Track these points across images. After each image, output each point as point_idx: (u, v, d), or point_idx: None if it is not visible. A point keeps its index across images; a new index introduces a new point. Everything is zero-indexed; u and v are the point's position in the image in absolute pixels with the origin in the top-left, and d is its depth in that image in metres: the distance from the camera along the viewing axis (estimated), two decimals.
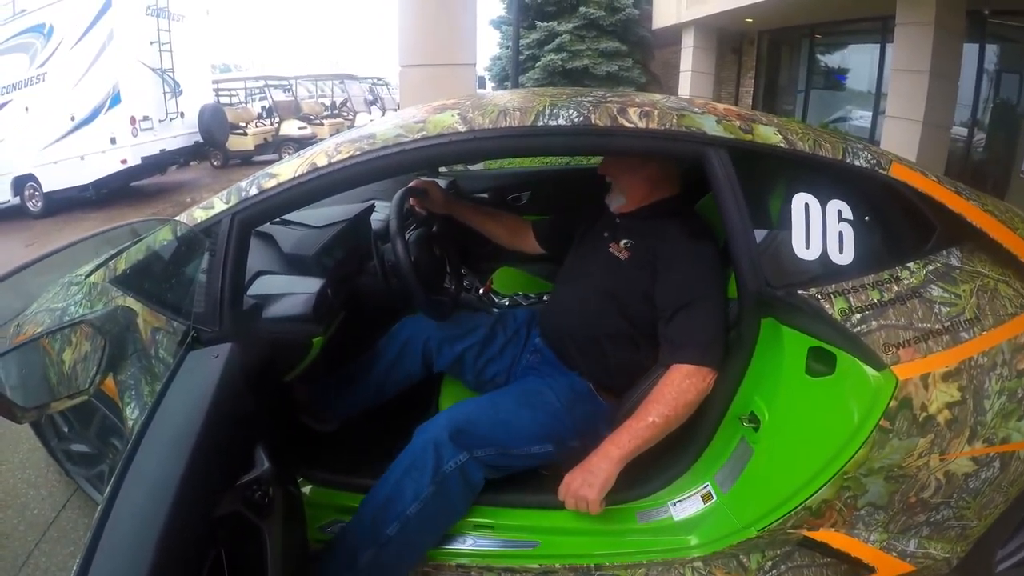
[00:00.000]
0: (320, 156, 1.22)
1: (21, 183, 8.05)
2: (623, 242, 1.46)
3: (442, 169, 2.45)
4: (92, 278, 1.46)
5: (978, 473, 1.21)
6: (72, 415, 1.77)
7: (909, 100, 6.16)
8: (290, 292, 1.37)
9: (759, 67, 11.89)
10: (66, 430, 1.87)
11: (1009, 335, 1.17)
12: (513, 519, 1.39)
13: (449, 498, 1.31)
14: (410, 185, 1.61)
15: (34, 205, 8.04)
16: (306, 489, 1.43)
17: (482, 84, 16.34)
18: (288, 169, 1.23)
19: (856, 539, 1.28)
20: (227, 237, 1.21)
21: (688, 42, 11.85)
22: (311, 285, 1.38)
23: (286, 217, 1.61)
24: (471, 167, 2.58)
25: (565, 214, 1.75)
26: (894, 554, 1.29)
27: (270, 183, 1.23)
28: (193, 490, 0.80)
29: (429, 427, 1.33)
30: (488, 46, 15.43)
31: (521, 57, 11.32)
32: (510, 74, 9.50)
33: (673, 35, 12.28)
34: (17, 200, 8.16)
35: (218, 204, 1.25)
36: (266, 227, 1.58)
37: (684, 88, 12.00)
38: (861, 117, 9.08)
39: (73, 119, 7.63)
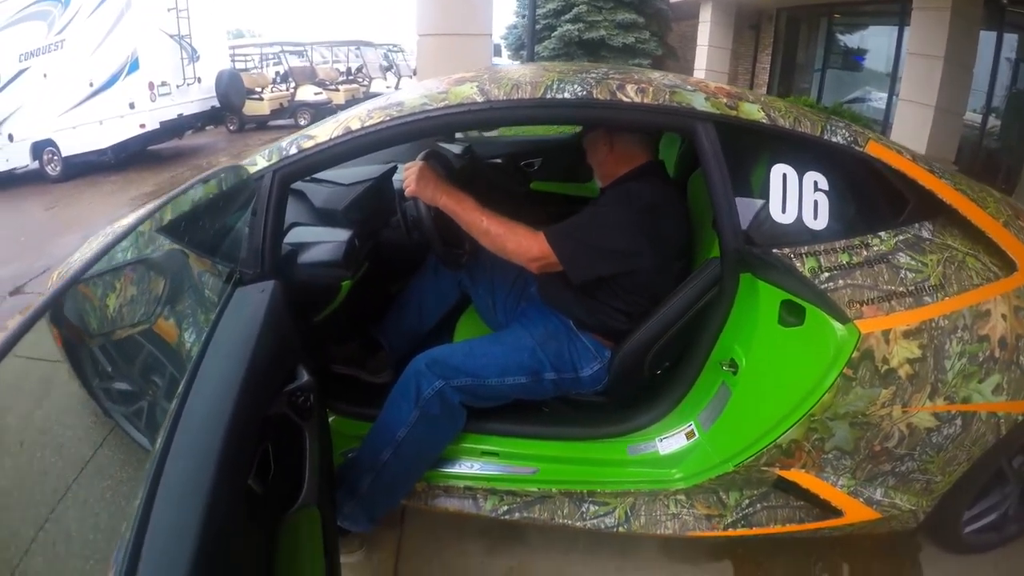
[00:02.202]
0: (354, 120, 1.37)
1: (40, 148, 8.14)
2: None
3: (458, 136, 2.57)
4: (140, 228, 1.61)
5: (940, 429, 1.31)
6: (117, 355, 1.93)
7: (923, 84, 6.16)
8: (322, 240, 1.52)
9: (776, 44, 11.74)
10: (109, 370, 2.02)
11: (972, 302, 1.27)
12: (516, 447, 1.56)
13: (433, 422, 1.48)
14: (429, 150, 1.74)
15: (53, 169, 8.16)
16: (330, 419, 1.59)
17: (498, 52, 16.12)
18: (324, 131, 1.38)
19: (825, 482, 1.40)
20: (269, 190, 1.36)
21: (706, 16, 11.71)
22: (341, 235, 1.53)
23: (316, 176, 1.75)
24: (486, 134, 2.69)
25: (572, 182, 1.87)
26: (861, 500, 1.41)
27: (308, 143, 1.38)
28: (249, 394, 0.94)
29: (412, 362, 1.51)
30: (505, 15, 15.27)
31: (537, 27, 11.16)
32: (526, 43, 9.46)
33: (691, 8, 12.13)
34: (36, 164, 8.27)
35: (260, 161, 1.40)
36: (299, 185, 1.72)
37: (700, 62, 11.88)
38: (877, 99, 9.01)
39: (92, 85, 7.71)
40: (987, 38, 6.46)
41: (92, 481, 1.06)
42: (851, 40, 10.24)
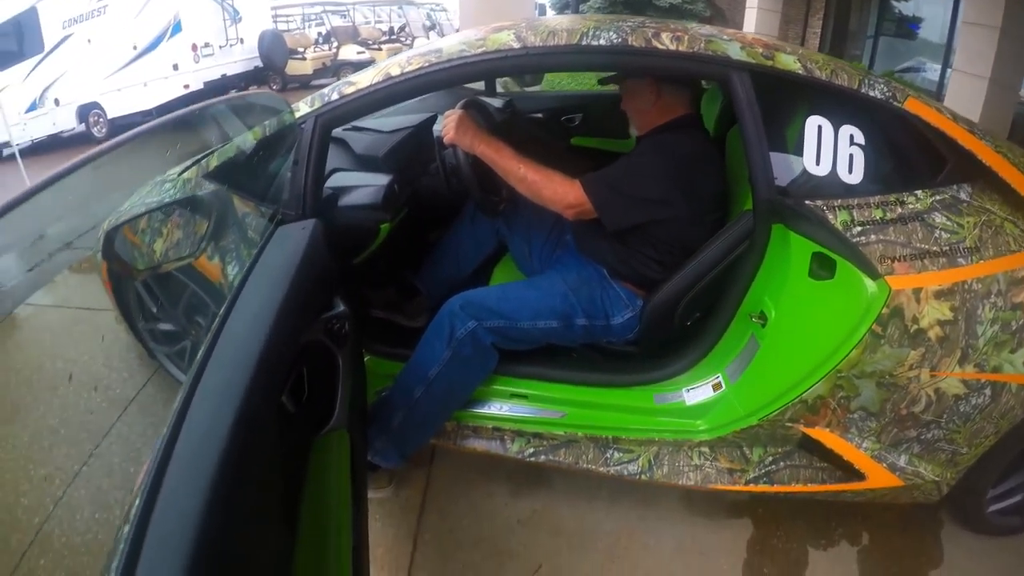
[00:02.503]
0: (394, 67, 1.39)
1: (86, 111, 8.40)
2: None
3: (499, 89, 2.57)
4: (186, 175, 1.67)
5: (968, 398, 1.28)
6: (162, 295, 2.02)
7: (977, 56, 5.85)
8: (362, 184, 1.57)
9: (828, 8, 11.23)
10: (154, 310, 2.12)
11: (1007, 267, 1.23)
12: (545, 391, 1.59)
13: (465, 363, 1.52)
14: (468, 99, 1.76)
15: (99, 131, 8.41)
16: (366, 359, 1.65)
17: (543, 12, 15.92)
18: (365, 78, 1.41)
19: (849, 443, 1.39)
20: (311, 135, 1.40)
21: None
22: (381, 179, 1.57)
23: (358, 124, 1.79)
24: (527, 88, 2.69)
25: (613, 138, 1.87)
26: (884, 465, 1.39)
27: (350, 89, 1.41)
28: (286, 317, 1.00)
29: (447, 303, 1.55)
30: None
31: None
32: (570, 3, 9.28)
33: None
34: (83, 127, 8.53)
35: (303, 107, 1.44)
36: (340, 133, 1.76)
37: (749, 25, 11.45)
38: (931, 70, 8.64)
39: (135, 48, 7.89)
40: None
41: (134, 419, 1.14)
42: (906, 7, 9.78)
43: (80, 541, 0.92)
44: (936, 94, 7.59)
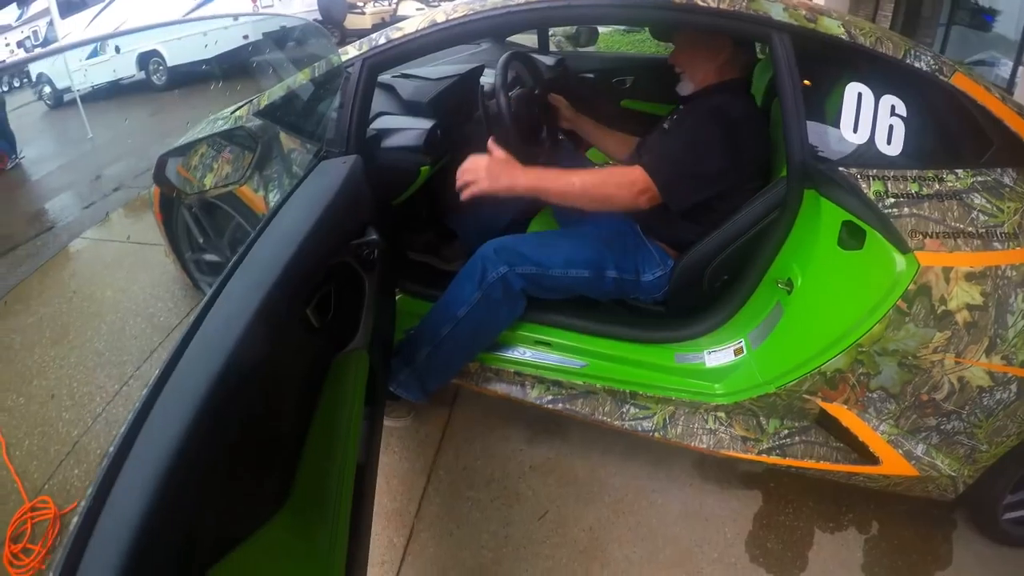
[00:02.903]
0: (439, 14, 1.43)
1: (146, 58, 8.59)
2: (673, 116, 1.63)
3: (553, 48, 2.58)
4: (238, 112, 1.74)
5: (993, 391, 1.24)
6: (209, 226, 2.10)
7: None
8: (406, 128, 1.61)
9: None
10: (201, 241, 2.20)
11: None
12: (569, 339, 1.62)
13: (494, 305, 1.55)
14: (514, 51, 1.78)
15: (158, 79, 8.62)
16: (397, 297, 1.71)
17: None
18: (412, 24, 1.45)
19: (866, 424, 1.37)
20: (358, 77, 1.45)
21: None
22: (424, 123, 1.61)
23: (406, 72, 1.83)
24: (581, 48, 2.69)
25: (663, 103, 1.84)
26: (900, 451, 1.36)
27: (397, 34, 1.45)
28: (316, 238, 1.03)
29: (482, 247, 1.58)
30: None
31: None
32: None
33: None
34: (143, 75, 8.78)
35: (352, 51, 1.49)
36: (387, 79, 1.81)
37: (817, 2, 11.07)
38: (1003, 65, 8.21)
39: None
40: None
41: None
42: None
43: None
44: (1007, 90, 7.23)
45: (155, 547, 0.60)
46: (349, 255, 1.20)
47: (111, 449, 0.65)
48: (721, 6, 1.30)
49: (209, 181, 1.55)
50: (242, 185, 1.52)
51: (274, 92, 1.66)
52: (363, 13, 11.16)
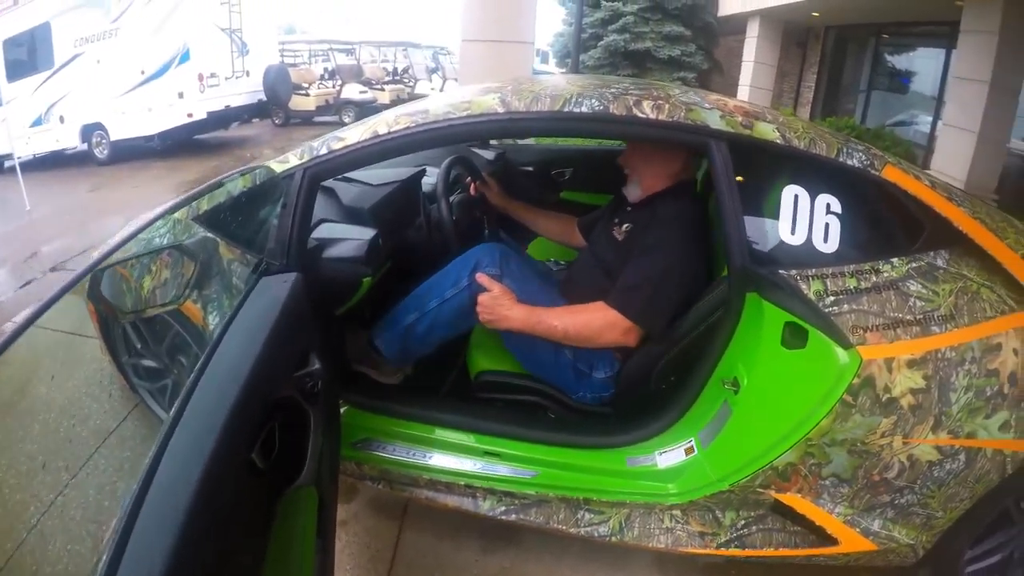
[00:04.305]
0: (381, 125, 1.44)
1: (89, 131, 8.51)
2: (624, 226, 1.65)
3: (493, 142, 2.63)
4: (176, 215, 1.70)
5: (942, 463, 1.28)
6: (147, 333, 2.03)
7: (967, 110, 6.01)
8: (347, 238, 1.59)
9: (823, 63, 11.58)
10: (138, 347, 2.11)
11: (982, 335, 1.24)
12: (518, 450, 1.58)
13: (475, 297, 1.58)
14: (455, 156, 1.80)
15: (100, 152, 8.50)
16: (342, 409, 1.65)
17: (545, 60, 16.22)
18: (354, 134, 1.45)
19: (821, 508, 1.38)
20: (299, 187, 1.44)
21: (753, 32, 11.58)
22: (365, 233, 1.60)
23: (347, 175, 1.83)
24: (519, 141, 2.75)
25: (602, 193, 1.91)
26: (858, 530, 1.38)
27: (338, 145, 1.45)
28: (258, 376, 1.01)
29: (485, 244, 1.68)
30: (553, 23, 15.36)
31: (584, 36, 11.21)
32: (571, 53, 9.52)
33: (739, 23, 12.01)
34: (84, 147, 8.64)
35: (292, 159, 1.48)
36: (329, 183, 1.80)
37: (745, 78, 11.76)
38: (922, 123, 8.83)
39: (143, 73, 8.00)
40: None
41: (113, 451, 1.14)
42: (898, 61, 10.06)
43: (50, 572, 0.91)
44: (927, 147, 7.75)
45: None
46: (292, 388, 1.16)
47: None
48: (660, 117, 1.34)
49: (145, 299, 1.49)
50: (180, 305, 1.46)
51: (215, 196, 1.63)
52: (308, 94, 11.30)
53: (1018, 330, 1.26)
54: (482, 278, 1.56)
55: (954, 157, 6.04)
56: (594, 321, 1.49)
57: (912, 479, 1.31)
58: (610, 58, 11.94)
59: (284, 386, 1.14)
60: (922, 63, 9.31)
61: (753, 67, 11.65)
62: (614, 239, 1.65)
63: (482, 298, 1.55)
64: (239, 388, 0.95)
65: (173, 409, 0.92)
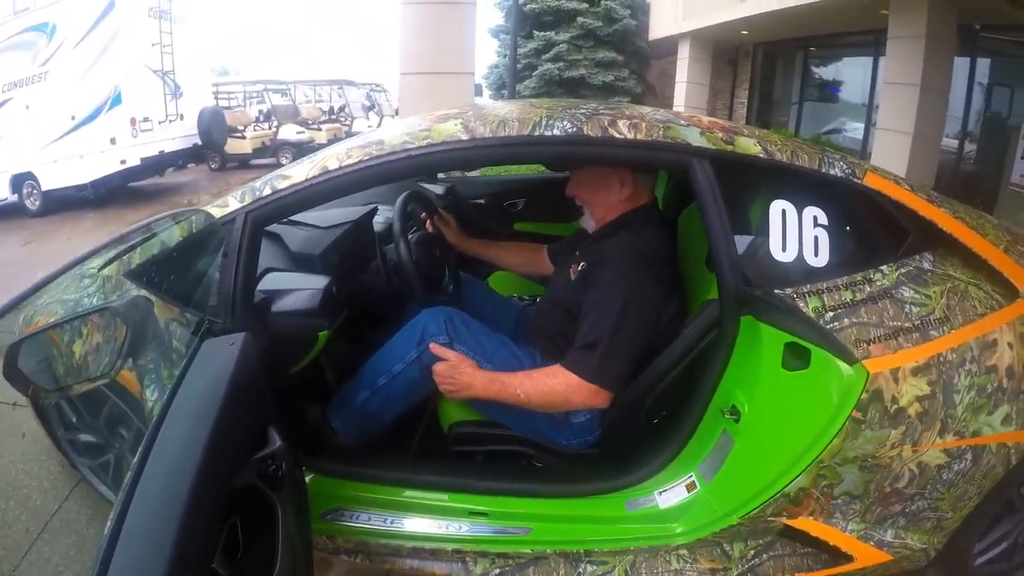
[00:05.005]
0: (331, 160, 1.29)
1: (20, 181, 8.09)
2: (580, 265, 1.55)
3: (440, 176, 2.52)
4: (106, 271, 1.51)
5: (951, 465, 1.27)
6: (82, 405, 1.82)
7: (900, 113, 6.30)
8: (298, 288, 1.43)
9: (754, 79, 12.05)
10: (74, 420, 1.91)
11: (978, 333, 1.24)
12: (506, 506, 1.46)
13: (425, 367, 1.49)
14: (411, 191, 1.68)
15: (32, 203, 8.08)
16: (307, 478, 1.49)
17: (479, 92, 16.34)
18: (300, 171, 1.30)
19: (834, 528, 1.34)
20: (241, 234, 1.28)
21: (684, 53, 11.97)
22: (318, 282, 1.44)
23: (293, 218, 1.67)
24: (468, 174, 2.65)
25: (558, 222, 1.82)
26: (871, 543, 1.35)
27: (283, 184, 1.29)
28: (213, 464, 0.86)
29: (432, 309, 1.56)
30: (486, 54, 15.56)
31: (518, 66, 11.42)
32: (507, 83, 9.62)
33: (669, 46, 12.41)
34: (15, 198, 8.21)
35: (232, 203, 1.32)
36: (274, 227, 1.64)
37: (679, 98, 12.13)
38: (854, 129, 9.23)
39: (74, 118, 7.68)
40: (961, 64, 6.67)
41: (56, 537, 0.97)
42: (827, 72, 10.55)
43: None
44: (861, 152, 8.10)
45: None
46: (252, 474, 0.99)
47: None
48: (637, 137, 1.26)
49: (70, 374, 1.30)
50: (112, 378, 1.27)
51: (148, 248, 1.44)
52: (244, 137, 11.07)
53: (1010, 324, 1.27)
54: (436, 348, 1.47)
55: (891, 159, 6.26)
56: (556, 387, 1.39)
57: (922, 485, 1.29)
58: (545, 87, 12.18)
59: (243, 473, 0.98)
60: (850, 72, 9.78)
61: (686, 87, 12.04)
62: (569, 280, 1.56)
63: (439, 367, 1.46)
64: (191, 484, 0.81)
65: (109, 523, 0.78)
